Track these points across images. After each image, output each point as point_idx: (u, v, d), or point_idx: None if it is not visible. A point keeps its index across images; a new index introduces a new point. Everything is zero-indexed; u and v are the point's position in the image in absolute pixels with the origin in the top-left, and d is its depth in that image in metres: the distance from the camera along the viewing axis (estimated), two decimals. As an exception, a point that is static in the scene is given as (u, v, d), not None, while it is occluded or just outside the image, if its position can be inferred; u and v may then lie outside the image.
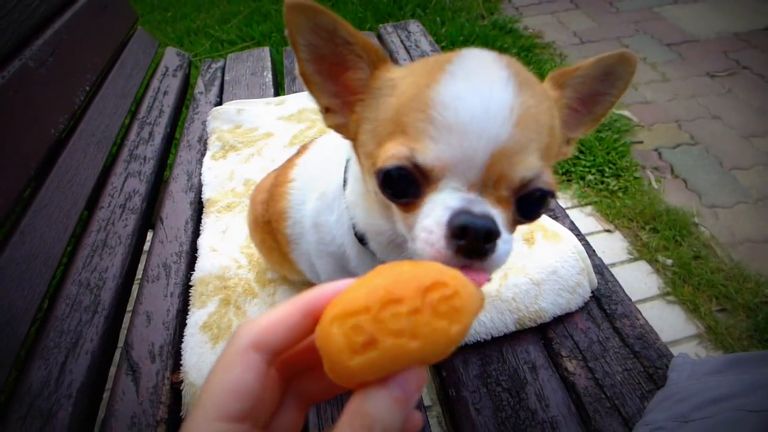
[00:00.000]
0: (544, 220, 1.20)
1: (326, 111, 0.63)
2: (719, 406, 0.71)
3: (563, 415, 0.91)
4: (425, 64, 0.57)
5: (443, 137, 0.49)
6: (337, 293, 0.39)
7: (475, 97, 0.49)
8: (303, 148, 1.01)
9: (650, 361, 0.97)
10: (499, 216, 0.52)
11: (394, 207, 0.58)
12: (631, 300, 1.09)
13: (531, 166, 0.51)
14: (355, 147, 0.64)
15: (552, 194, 0.54)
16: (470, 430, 0.90)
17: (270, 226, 1.01)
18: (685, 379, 0.84)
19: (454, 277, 0.39)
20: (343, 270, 0.84)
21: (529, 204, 0.54)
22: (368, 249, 0.76)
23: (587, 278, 1.07)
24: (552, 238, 1.12)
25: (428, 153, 0.50)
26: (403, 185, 0.53)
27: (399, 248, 0.70)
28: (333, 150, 0.84)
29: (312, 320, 0.39)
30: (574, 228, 1.22)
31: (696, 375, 0.84)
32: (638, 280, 2.32)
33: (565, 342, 1.02)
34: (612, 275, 1.14)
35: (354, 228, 0.76)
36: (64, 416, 0.96)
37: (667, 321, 2.14)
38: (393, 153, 0.52)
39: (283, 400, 0.44)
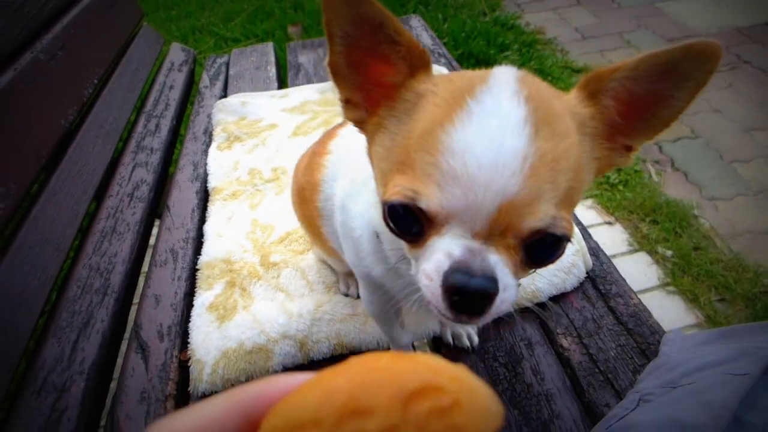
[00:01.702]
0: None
1: (346, 102, 0.60)
2: (706, 372, 0.74)
3: (558, 388, 0.94)
4: (452, 85, 0.52)
5: (449, 186, 0.47)
6: (287, 392, 0.29)
7: (486, 146, 0.46)
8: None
9: (643, 337, 1.00)
10: (502, 264, 0.50)
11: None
12: (625, 281, 1.12)
13: (542, 217, 0.47)
14: (370, 149, 0.61)
15: (567, 239, 0.50)
16: (468, 403, 0.93)
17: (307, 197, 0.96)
18: (677, 351, 0.87)
19: (456, 378, 0.27)
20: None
21: (541, 250, 0.51)
22: (383, 250, 0.73)
23: (582, 259, 1.10)
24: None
25: (432, 199, 0.48)
26: (408, 222, 0.52)
27: (408, 264, 0.65)
28: None
29: (254, 427, 0.29)
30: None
31: (687, 347, 0.86)
32: (639, 271, 2.34)
33: (560, 320, 1.05)
34: (607, 257, 1.17)
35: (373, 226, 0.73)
36: (77, 391, 0.99)
37: (667, 311, 2.16)
38: (398, 189, 0.50)
39: None
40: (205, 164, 1.61)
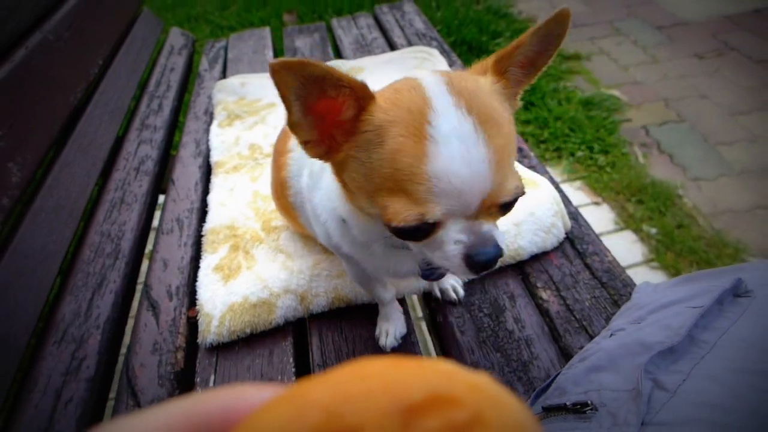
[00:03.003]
0: (523, 170, 1.32)
1: (305, 144, 0.67)
2: (669, 308, 0.82)
3: (537, 334, 1.03)
4: (402, 112, 0.62)
5: (443, 200, 0.60)
6: (252, 407, 0.23)
7: (460, 165, 0.59)
8: None
9: (615, 289, 1.09)
10: (492, 227, 0.66)
11: None
12: (601, 241, 1.21)
13: (510, 191, 0.63)
14: (339, 174, 0.71)
15: (522, 194, 0.66)
16: (455, 348, 1.02)
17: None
18: (647, 295, 0.96)
19: (475, 387, 0.21)
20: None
21: (509, 205, 0.67)
22: (351, 234, 0.83)
23: (561, 220, 1.18)
24: (530, 185, 1.24)
25: (435, 213, 0.61)
26: (415, 232, 0.65)
27: (381, 245, 0.81)
28: None
29: None
30: (551, 180, 1.33)
31: (656, 291, 0.95)
32: (624, 249, 2.43)
33: (540, 276, 1.14)
34: (585, 221, 1.26)
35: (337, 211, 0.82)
36: (94, 342, 1.08)
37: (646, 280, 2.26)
38: (405, 216, 0.61)
39: None
40: (207, 141, 1.69)
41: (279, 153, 1.02)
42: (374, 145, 0.62)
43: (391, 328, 1.06)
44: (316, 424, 0.20)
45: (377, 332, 1.08)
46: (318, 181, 0.83)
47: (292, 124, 0.63)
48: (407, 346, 1.06)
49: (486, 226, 0.65)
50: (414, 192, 0.60)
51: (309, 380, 0.22)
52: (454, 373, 0.22)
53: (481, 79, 0.67)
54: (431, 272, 0.81)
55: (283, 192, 1.01)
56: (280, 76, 0.57)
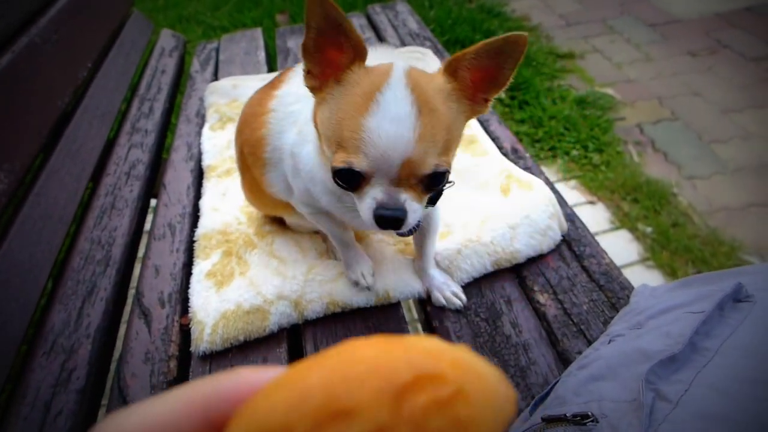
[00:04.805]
0: (518, 172, 1.31)
1: (308, 73, 0.80)
2: (669, 314, 0.81)
3: (534, 338, 1.02)
4: (369, 80, 0.75)
5: (370, 153, 0.72)
6: (253, 389, 0.25)
7: (390, 126, 0.71)
8: (278, 80, 1.10)
9: (613, 293, 1.08)
10: (409, 199, 0.77)
11: None
12: (598, 243, 1.20)
13: (430, 165, 0.74)
14: (316, 112, 0.83)
15: (448, 172, 0.77)
16: (452, 354, 1.01)
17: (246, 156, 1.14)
18: (645, 299, 0.95)
19: (457, 363, 0.24)
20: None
21: (434, 180, 0.77)
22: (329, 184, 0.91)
23: (557, 222, 1.17)
24: (525, 187, 1.23)
25: (361, 163, 0.73)
26: (348, 178, 0.77)
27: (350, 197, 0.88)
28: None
29: (219, 428, 0.25)
30: (547, 182, 1.32)
31: (653, 296, 0.94)
32: (620, 248, 2.42)
33: (537, 279, 1.13)
34: (582, 222, 1.25)
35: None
36: (85, 352, 1.06)
37: (644, 282, 2.25)
38: (341, 160, 0.75)
39: None
40: (199, 144, 1.66)
41: (256, 114, 1.08)
42: (341, 95, 0.76)
43: (365, 269, 1.12)
44: (317, 406, 0.22)
45: (354, 277, 1.11)
46: (307, 136, 0.93)
47: (305, 47, 0.76)
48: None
49: (404, 195, 0.76)
50: (350, 140, 0.73)
51: (304, 363, 0.24)
52: (438, 351, 0.24)
53: (437, 78, 0.78)
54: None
55: (256, 151, 1.08)
56: (313, 6, 0.70)
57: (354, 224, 1.02)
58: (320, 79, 0.80)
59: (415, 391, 0.22)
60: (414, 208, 0.77)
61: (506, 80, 0.77)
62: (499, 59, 0.74)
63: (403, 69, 0.76)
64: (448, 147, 0.77)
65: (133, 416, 0.25)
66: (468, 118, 0.82)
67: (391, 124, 0.71)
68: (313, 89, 0.81)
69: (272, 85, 1.11)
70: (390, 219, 0.76)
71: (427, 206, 0.87)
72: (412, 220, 0.78)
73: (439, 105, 0.74)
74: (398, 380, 0.22)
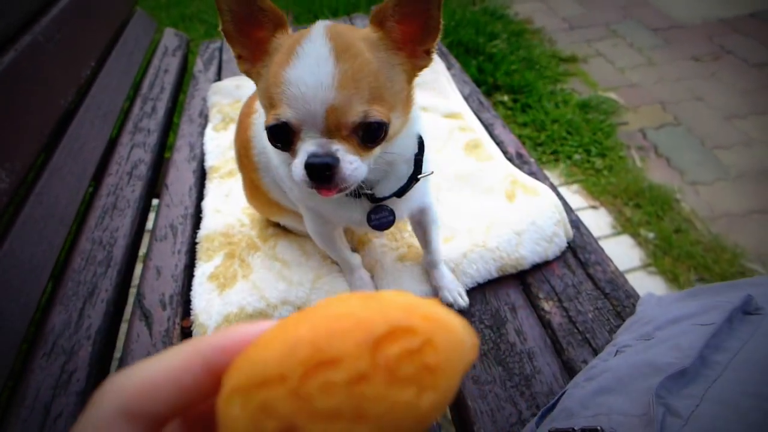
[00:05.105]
0: (523, 177, 1.30)
1: (239, 58, 0.81)
2: (677, 325, 0.81)
3: (539, 347, 1.01)
4: (291, 39, 0.75)
5: (293, 104, 0.71)
6: (248, 341, 0.28)
7: (308, 75, 0.70)
8: None
9: (619, 300, 1.07)
10: (343, 150, 0.73)
11: None
12: (603, 250, 1.19)
13: (357, 113, 0.71)
14: (257, 90, 0.82)
15: (384, 123, 0.74)
16: (455, 361, 1.00)
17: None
18: (651, 309, 0.94)
19: (427, 316, 0.27)
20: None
21: (370, 133, 0.74)
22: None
23: (563, 229, 1.17)
24: (531, 193, 1.22)
25: (287, 114, 0.72)
26: (281, 137, 0.76)
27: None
28: None
29: (218, 378, 0.28)
30: (552, 188, 1.31)
31: (660, 305, 0.93)
32: (622, 253, 2.42)
33: (542, 286, 1.12)
34: (587, 229, 1.24)
35: None
36: (85, 354, 1.05)
37: (648, 291, 2.24)
38: (269, 117, 0.74)
39: None
40: (202, 145, 1.65)
41: (245, 115, 1.08)
42: (270, 64, 0.76)
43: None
44: (305, 358, 0.25)
45: None
46: None
47: (225, 33, 0.77)
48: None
49: (336, 145, 0.73)
50: (275, 95, 0.72)
51: (292, 318, 0.28)
52: (411, 305, 0.28)
53: (363, 30, 0.78)
54: (378, 221, 0.93)
55: (247, 153, 1.07)
56: None
57: (336, 217, 0.99)
58: (253, 62, 0.80)
59: (389, 342, 0.25)
60: (349, 159, 0.74)
61: (437, 24, 0.76)
62: (421, 1, 0.74)
63: (325, 24, 0.75)
64: (379, 96, 0.74)
65: (136, 374, 0.28)
66: (408, 71, 0.80)
67: (309, 72, 0.70)
68: (248, 73, 0.82)
69: None
70: (320, 167, 0.72)
71: (412, 184, 0.89)
72: (348, 171, 0.74)
73: (362, 52, 0.72)
74: (375, 333, 0.26)
